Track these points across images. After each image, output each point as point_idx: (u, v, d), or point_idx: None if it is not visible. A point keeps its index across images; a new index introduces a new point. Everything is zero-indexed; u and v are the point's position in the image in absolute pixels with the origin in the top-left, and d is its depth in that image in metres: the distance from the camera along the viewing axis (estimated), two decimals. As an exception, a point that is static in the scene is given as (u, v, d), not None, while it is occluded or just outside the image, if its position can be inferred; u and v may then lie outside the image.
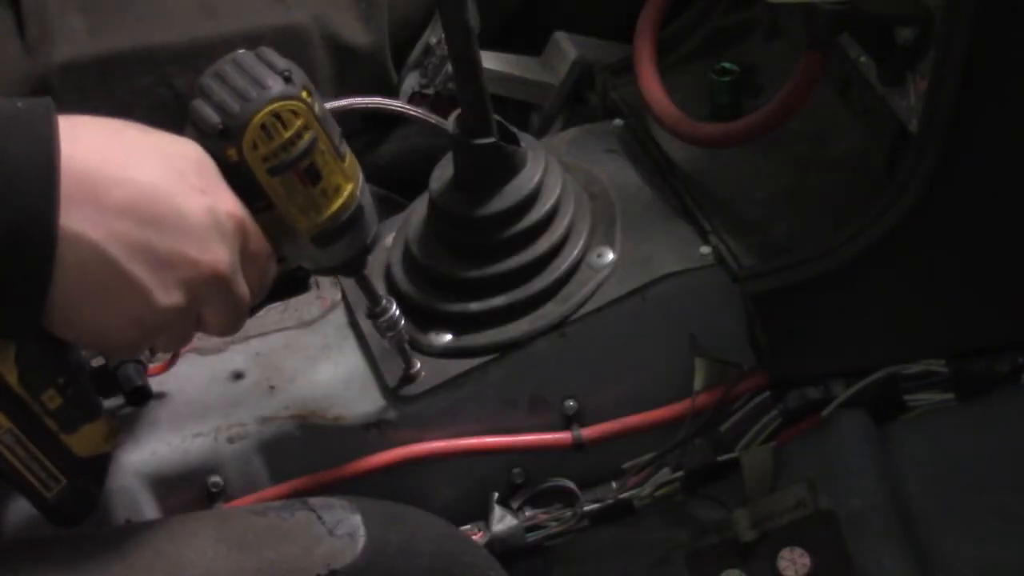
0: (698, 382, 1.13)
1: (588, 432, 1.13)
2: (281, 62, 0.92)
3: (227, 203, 0.89)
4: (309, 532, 0.92)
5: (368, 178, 1.00)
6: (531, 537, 1.11)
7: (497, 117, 1.11)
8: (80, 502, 0.94)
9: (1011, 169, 1.06)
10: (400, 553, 0.94)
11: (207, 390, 1.13)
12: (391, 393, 1.12)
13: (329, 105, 0.97)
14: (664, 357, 1.13)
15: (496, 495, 1.12)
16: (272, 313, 1.19)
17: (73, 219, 0.81)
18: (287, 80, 0.91)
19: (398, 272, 1.17)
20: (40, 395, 0.89)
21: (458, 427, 1.12)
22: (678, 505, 1.13)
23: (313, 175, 0.93)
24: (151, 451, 1.08)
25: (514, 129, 1.13)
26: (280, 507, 0.94)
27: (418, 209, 1.19)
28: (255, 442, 1.10)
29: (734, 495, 1.13)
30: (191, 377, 1.14)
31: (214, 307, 0.89)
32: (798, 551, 1.07)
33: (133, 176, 0.84)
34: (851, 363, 1.13)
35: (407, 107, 1.26)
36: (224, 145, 0.90)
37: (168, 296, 0.86)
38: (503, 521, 1.11)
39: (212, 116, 0.90)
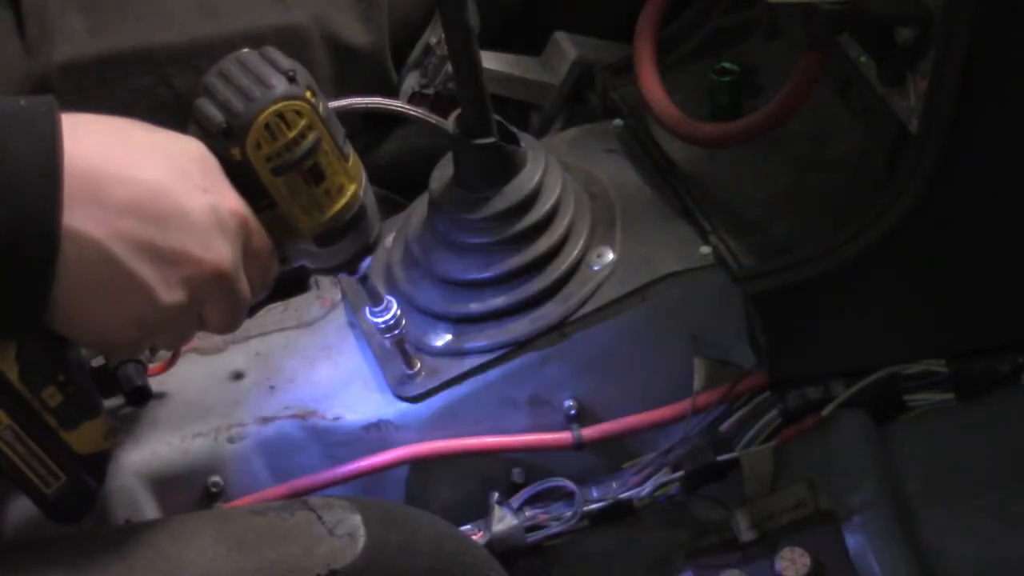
0: (698, 382, 1.13)
1: (588, 432, 1.13)
2: (285, 62, 0.92)
3: (230, 201, 0.89)
4: (309, 532, 0.92)
5: (368, 178, 1.00)
6: (531, 537, 1.11)
7: (497, 117, 1.11)
8: (79, 499, 0.94)
9: (1011, 169, 1.06)
10: (400, 553, 0.94)
11: (207, 390, 1.13)
12: (391, 393, 1.12)
13: (329, 105, 0.97)
14: (664, 357, 1.14)
15: (496, 495, 1.12)
16: (272, 313, 1.19)
17: (76, 217, 0.81)
18: (291, 80, 0.91)
19: (398, 272, 1.17)
20: (40, 392, 0.89)
21: (458, 427, 1.12)
22: (678, 505, 1.14)
23: (316, 175, 0.93)
24: (151, 451, 1.08)
25: (514, 129, 1.13)
26: (280, 507, 0.94)
27: (418, 209, 1.19)
28: (255, 442, 1.10)
29: (734, 495, 1.13)
30: (191, 377, 1.14)
31: (216, 305, 0.89)
32: (798, 551, 1.07)
33: (136, 174, 0.84)
34: (851, 363, 1.13)
35: (407, 107, 1.26)
36: (228, 144, 0.90)
37: (170, 294, 0.85)
38: (503, 521, 1.11)
39: (216, 115, 0.90)
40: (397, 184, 1.33)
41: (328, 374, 1.14)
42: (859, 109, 1.19)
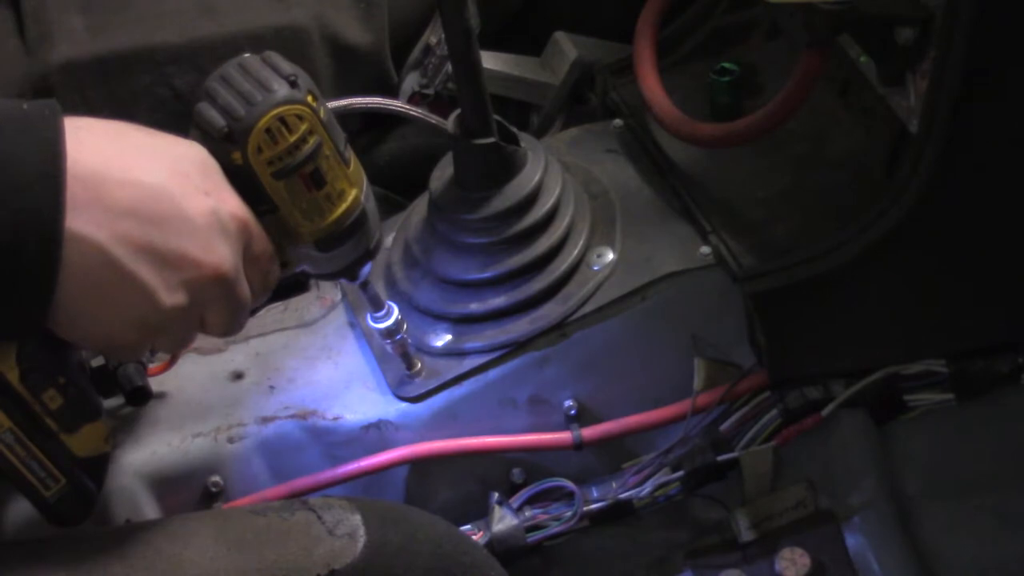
0: (698, 382, 1.13)
1: (588, 432, 1.13)
2: (287, 66, 0.92)
3: (231, 205, 0.89)
4: (309, 532, 0.92)
5: (368, 178, 1.00)
6: (531, 537, 1.11)
7: (497, 117, 1.11)
8: (79, 502, 0.94)
9: (1011, 169, 1.06)
10: (400, 553, 0.94)
11: (207, 390, 1.13)
12: (391, 393, 1.12)
13: (329, 105, 0.97)
14: (664, 357, 1.14)
15: (496, 495, 1.12)
16: (272, 313, 1.19)
17: (78, 221, 0.81)
18: (292, 84, 0.91)
19: (398, 272, 1.17)
20: (41, 395, 0.89)
21: (458, 427, 1.12)
22: (678, 505, 1.14)
23: (317, 180, 0.93)
24: (151, 451, 1.08)
25: (514, 129, 1.13)
26: (280, 507, 0.94)
27: (418, 209, 1.19)
28: (255, 442, 1.10)
29: (734, 495, 1.13)
30: (191, 377, 1.14)
31: (216, 308, 0.89)
32: (798, 551, 1.07)
33: (137, 178, 0.84)
34: (851, 363, 1.13)
35: (407, 107, 1.26)
36: (229, 148, 0.90)
37: (171, 296, 0.86)
38: (503, 521, 1.10)
39: (217, 119, 0.90)
40: (397, 184, 1.33)
41: (328, 374, 1.14)
42: (859, 109, 1.19)
